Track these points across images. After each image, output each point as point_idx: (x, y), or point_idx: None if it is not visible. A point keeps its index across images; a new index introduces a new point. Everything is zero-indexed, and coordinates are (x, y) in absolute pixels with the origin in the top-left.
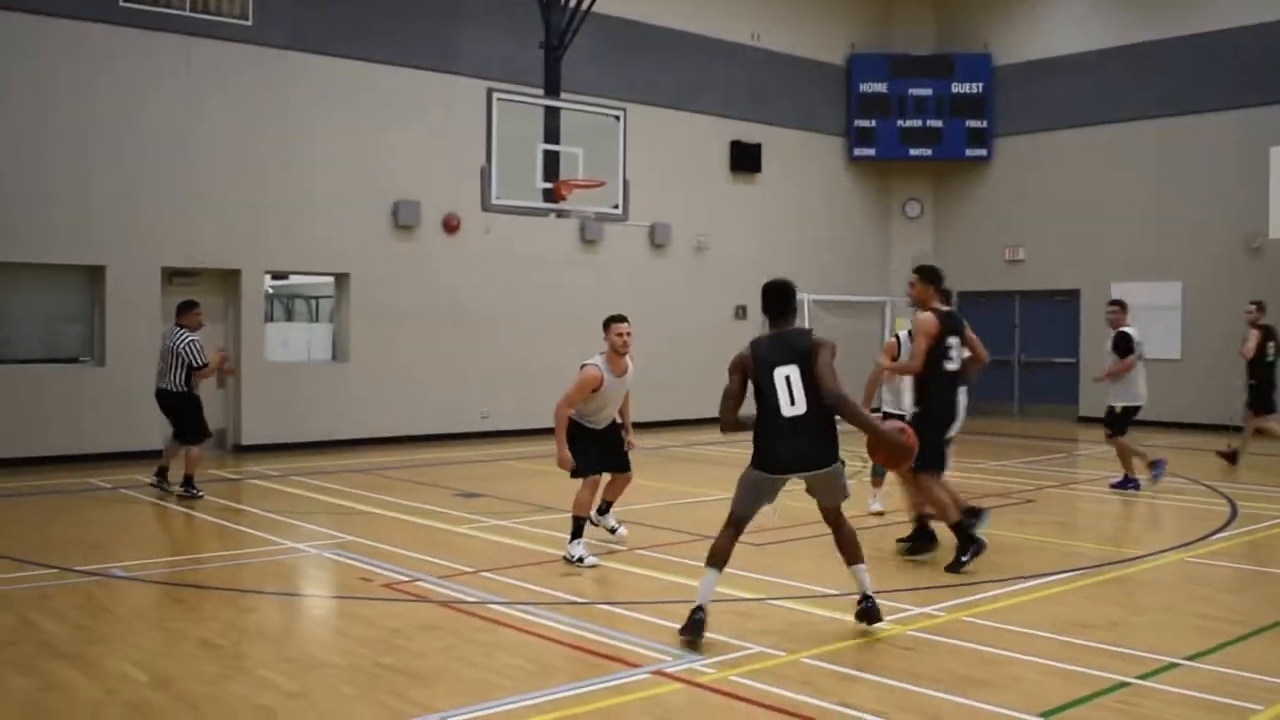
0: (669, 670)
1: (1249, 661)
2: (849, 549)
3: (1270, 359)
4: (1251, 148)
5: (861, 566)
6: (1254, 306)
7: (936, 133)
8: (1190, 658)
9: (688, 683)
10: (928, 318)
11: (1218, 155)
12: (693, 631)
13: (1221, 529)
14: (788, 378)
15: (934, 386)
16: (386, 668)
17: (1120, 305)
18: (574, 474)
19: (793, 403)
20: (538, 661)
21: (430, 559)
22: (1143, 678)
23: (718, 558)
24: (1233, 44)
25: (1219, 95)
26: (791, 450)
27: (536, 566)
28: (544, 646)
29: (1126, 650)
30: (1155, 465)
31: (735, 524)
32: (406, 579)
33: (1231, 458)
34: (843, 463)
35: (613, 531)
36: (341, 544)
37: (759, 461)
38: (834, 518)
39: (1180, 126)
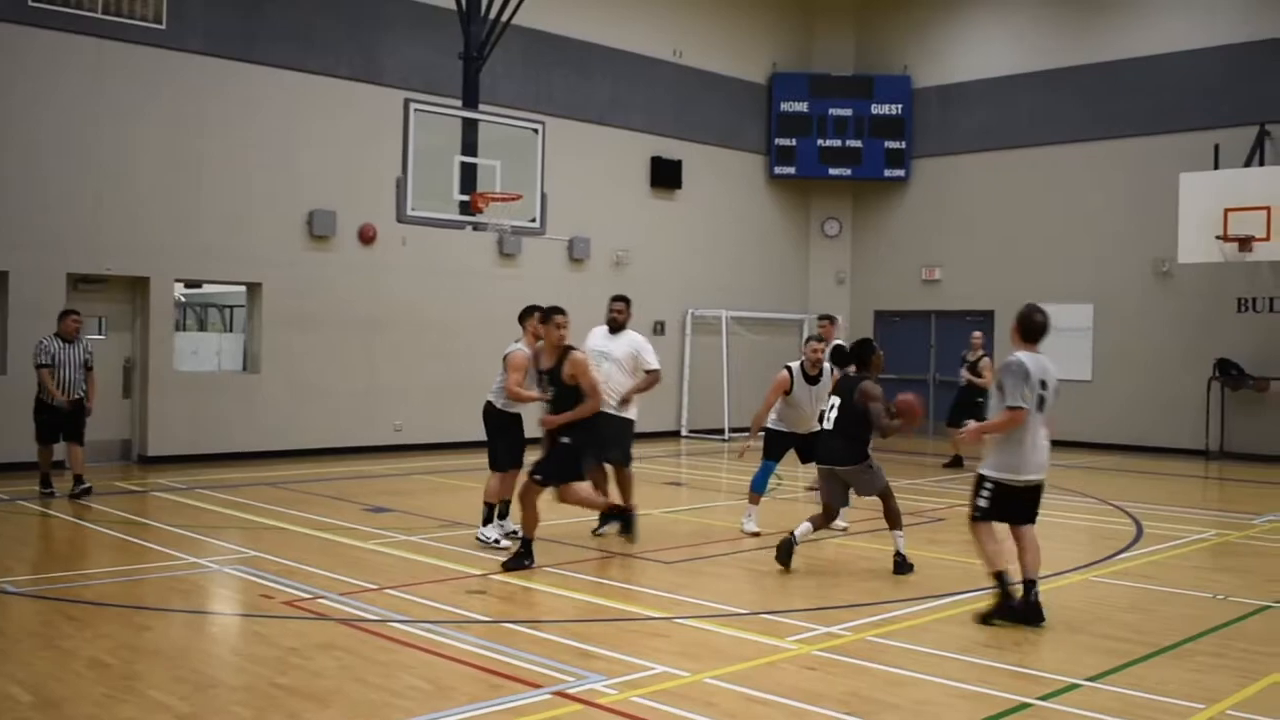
0: (570, 691)
1: (1150, 682)
2: (890, 519)
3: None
4: (1162, 174)
5: (898, 532)
6: (980, 335)
7: (856, 153)
8: (1092, 678)
9: (588, 704)
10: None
11: (1129, 180)
12: (782, 554)
13: (1126, 549)
14: (833, 404)
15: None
16: (283, 688)
17: (830, 319)
18: (496, 467)
19: (828, 421)
20: (437, 682)
21: (335, 576)
22: (1045, 698)
23: (814, 520)
24: (1145, 72)
25: (1131, 122)
26: (824, 450)
27: (442, 584)
28: (445, 666)
29: (1030, 671)
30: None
31: (824, 509)
32: (309, 596)
33: (957, 462)
34: (870, 465)
35: (512, 535)
36: (246, 560)
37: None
38: (880, 499)
39: (1093, 152)
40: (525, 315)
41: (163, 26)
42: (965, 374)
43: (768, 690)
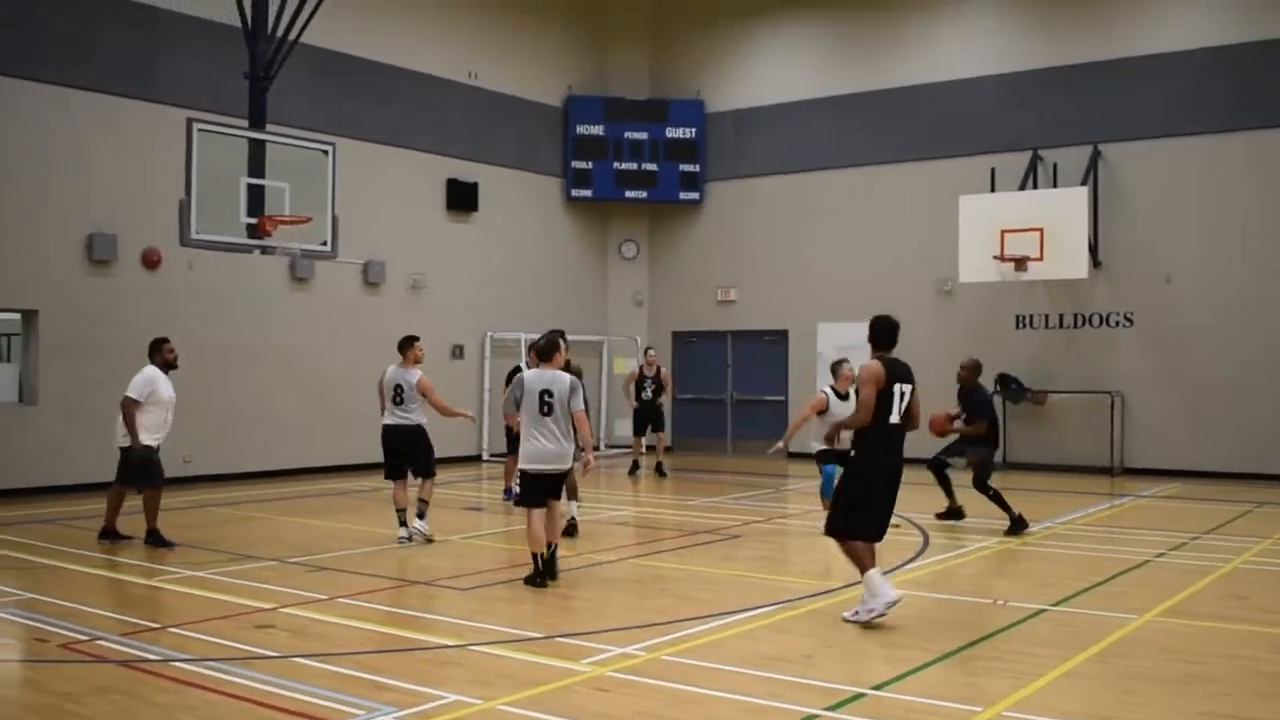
0: None
1: (931, 688)
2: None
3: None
4: (943, 196)
5: (575, 502)
6: (653, 350)
7: (651, 176)
8: (877, 687)
9: None
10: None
11: (913, 203)
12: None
13: (913, 559)
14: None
15: None
16: None
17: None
18: (430, 474)
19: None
20: None
21: (116, 615)
22: (831, 709)
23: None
24: (926, 99)
25: (914, 146)
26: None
27: (229, 620)
28: (229, 706)
29: (817, 682)
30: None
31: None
32: (86, 638)
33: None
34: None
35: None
36: (21, 602)
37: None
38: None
39: (879, 175)
40: (413, 341)
41: None
42: (650, 389)
43: (560, 714)
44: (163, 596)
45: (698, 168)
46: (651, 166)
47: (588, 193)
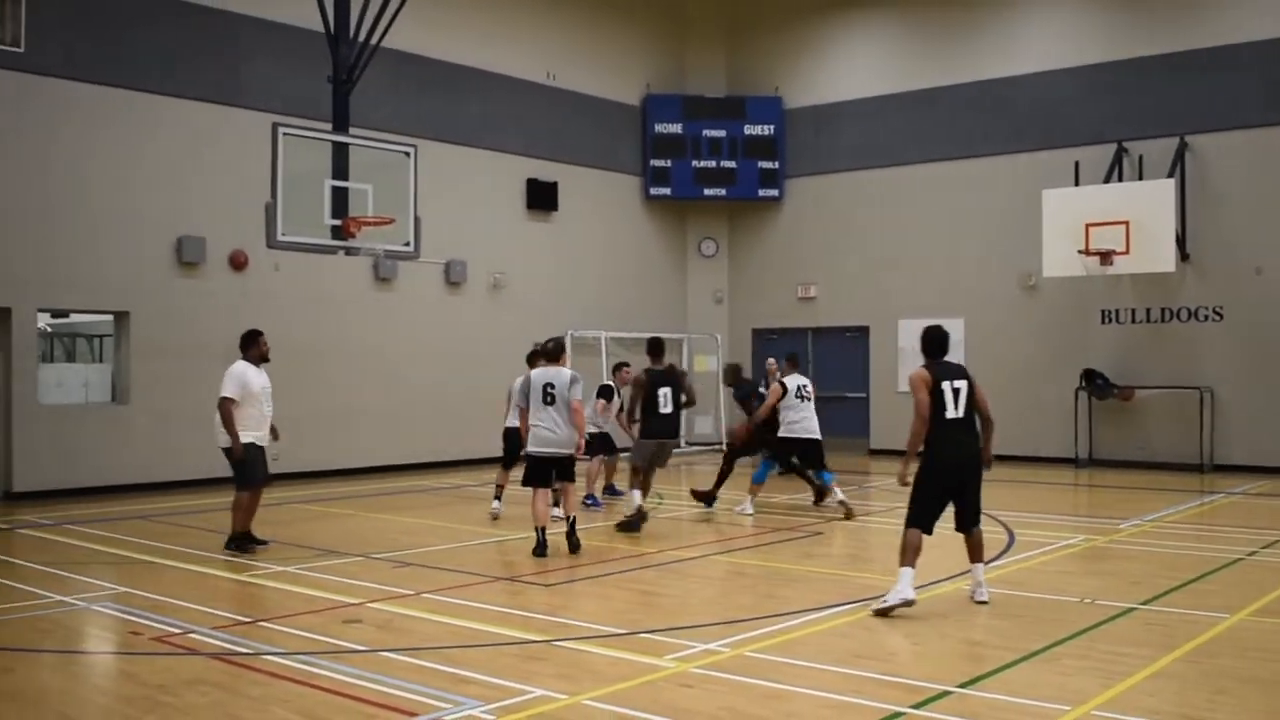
0: (446, 718)
1: (1017, 686)
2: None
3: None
4: (1026, 190)
5: (637, 492)
6: (773, 360)
7: (730, 173)
8: (962, 685)
9: None
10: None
11: (995, 197)
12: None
13: (998, 557)
14: (665, 394)
15: None
16: None
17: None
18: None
19: (669, 405)
20: (310, 714)
21: (207, 609)
22: (916, 707)
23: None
24: (1007, 92)
25: (996, 140)
26: (672, 427)
27: (317, 614)
28: (319, 698)
29: (902, 680)
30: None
31: (645, 474)
32: (179, 631)
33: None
34: None
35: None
36: (116, 596)
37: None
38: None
39: (960, 170)
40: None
41: (20, 49)
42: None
43: (645, 709)
44: (253, 591)
45: (776, 164)
46: (730, 164)
47: (666, 191)
